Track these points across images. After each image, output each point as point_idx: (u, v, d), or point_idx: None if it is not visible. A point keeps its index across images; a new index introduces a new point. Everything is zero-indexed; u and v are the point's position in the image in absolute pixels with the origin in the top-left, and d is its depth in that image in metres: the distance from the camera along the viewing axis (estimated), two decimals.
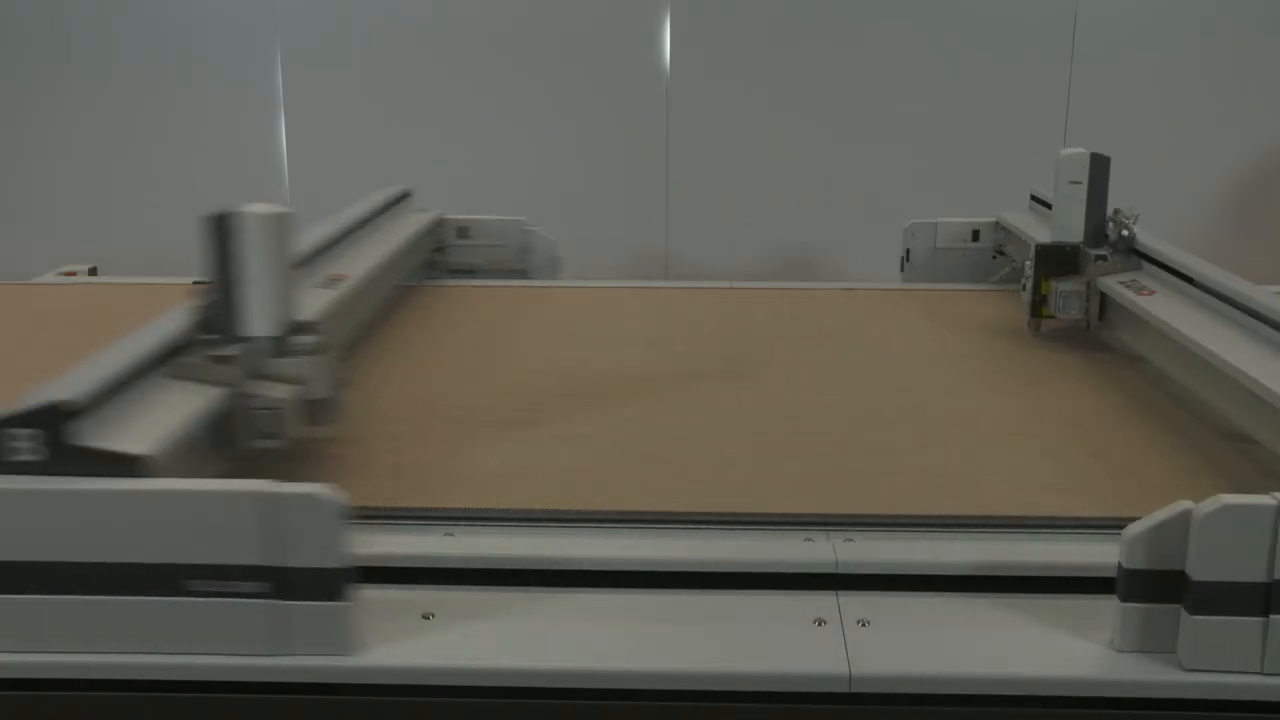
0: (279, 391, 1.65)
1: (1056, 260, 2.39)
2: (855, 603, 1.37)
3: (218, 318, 1.65)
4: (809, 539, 1.47)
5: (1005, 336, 2.45)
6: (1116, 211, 2.41)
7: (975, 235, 3.02)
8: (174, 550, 1.24)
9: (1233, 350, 1.83)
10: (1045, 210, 2.87)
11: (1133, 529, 1.25)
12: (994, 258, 3.00)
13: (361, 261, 2.45)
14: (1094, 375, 2.20)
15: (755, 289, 2.93)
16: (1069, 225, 2.41)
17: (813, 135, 4.51)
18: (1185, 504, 1.23)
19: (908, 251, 3.02)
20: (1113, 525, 1.53)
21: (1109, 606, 1.36)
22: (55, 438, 1.27)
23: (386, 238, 2.71)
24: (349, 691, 1.27)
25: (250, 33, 4.52)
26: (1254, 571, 1.21)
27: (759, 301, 2.76)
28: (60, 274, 3.11)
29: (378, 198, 2.87)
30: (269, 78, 4.56)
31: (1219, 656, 1.24)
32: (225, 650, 1.26)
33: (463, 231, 3.07)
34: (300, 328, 1.70)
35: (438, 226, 3.05)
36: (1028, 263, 2.42)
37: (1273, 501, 1.21)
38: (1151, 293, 2.21)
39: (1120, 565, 1.26)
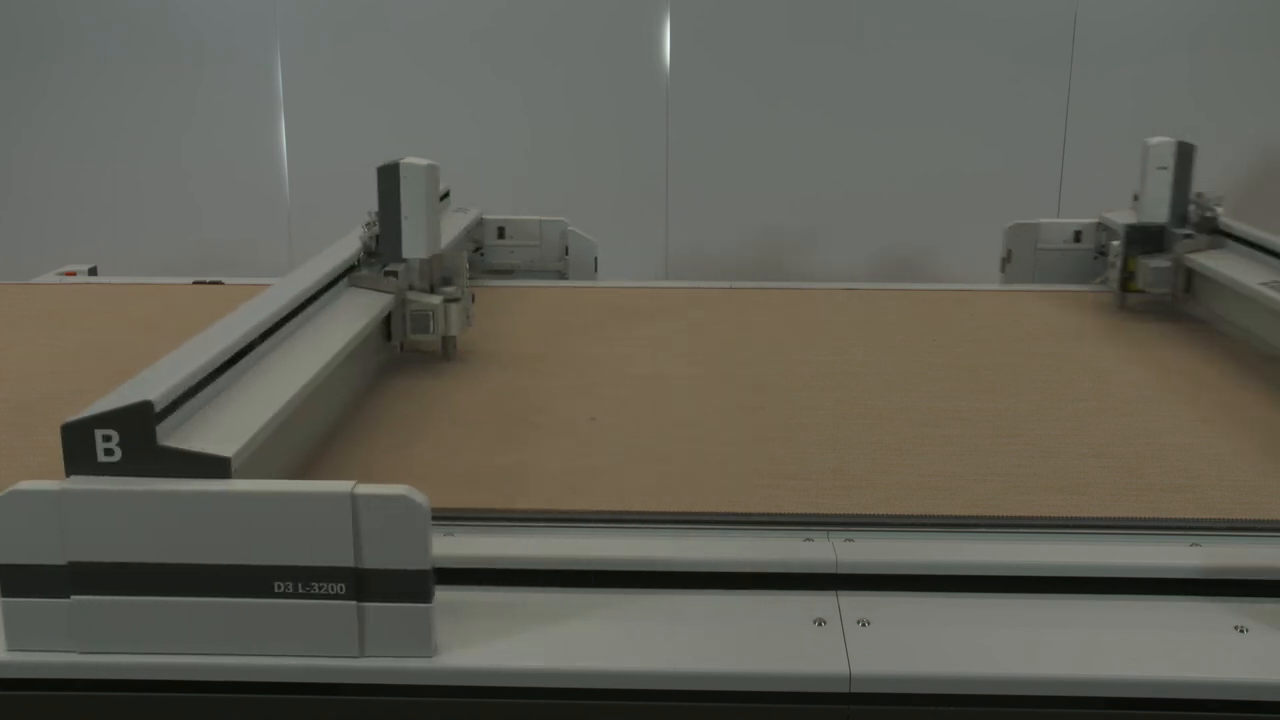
0: (432, 299, 2.21)
1: (1144, 239, 2.64)
2: (855, 603, 1.37)
3: (385, 243, 2.20)
4: (809, 539, 1.47)
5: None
6: (1199, 195, 2.64)
7: (1077, 236, 3.00)
8: (259, 552, 1.23)
9: None
10: None
11: None
12: (1095, 258, 2.99)
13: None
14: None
15: (756, 289, 2.93)
16: (1155, 208, 2.64)
17: (812, 135, 4.51)
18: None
19: (1009, 252, 3.01)
20: (1113, 525, 1.54)
21: (1110, 606, 1.36)
22: (141, 438, 1.25)
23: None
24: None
25: (250, 33, 4.52)
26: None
27: (763, 302, 2.76)
28: (60, 274, 3.11)
29: None
30: (269, 78, 4.56)
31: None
32: (309, 653, 1.26)
33: (502, 231, 3.05)
34: (445, 279, 2.26)
35: (477, 226, 3.01)
36: (1114, 243, 2.68)
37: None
38: None
39: None
